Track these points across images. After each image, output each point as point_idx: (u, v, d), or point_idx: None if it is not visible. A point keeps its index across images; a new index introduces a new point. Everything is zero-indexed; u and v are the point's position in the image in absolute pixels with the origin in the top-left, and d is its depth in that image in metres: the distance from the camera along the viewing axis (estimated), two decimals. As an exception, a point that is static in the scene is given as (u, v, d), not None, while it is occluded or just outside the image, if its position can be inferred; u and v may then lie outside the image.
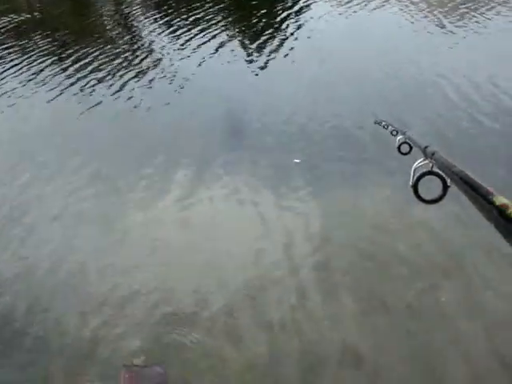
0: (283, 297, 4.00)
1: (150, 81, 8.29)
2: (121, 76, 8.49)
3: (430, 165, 1.00)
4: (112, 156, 6.28)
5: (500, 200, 0.56)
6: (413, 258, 4.18)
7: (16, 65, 9.04)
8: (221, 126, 6.73)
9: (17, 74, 8.69)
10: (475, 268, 3.97)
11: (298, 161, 5.72)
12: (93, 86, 8.19)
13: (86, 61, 9.07)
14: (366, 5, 10.86)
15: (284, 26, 10.13)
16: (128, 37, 10.60)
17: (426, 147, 1.06)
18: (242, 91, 7.81)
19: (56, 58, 9.30)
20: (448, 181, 0.95)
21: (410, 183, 1.08)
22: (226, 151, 6.07)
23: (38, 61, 9.14)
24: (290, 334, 3.70)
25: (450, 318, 3.60)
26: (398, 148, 1.68)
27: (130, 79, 8.33)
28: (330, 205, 5.05)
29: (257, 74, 8.38)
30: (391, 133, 2.04)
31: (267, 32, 9.80)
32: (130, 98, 7.67)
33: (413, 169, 1.07)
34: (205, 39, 9.61)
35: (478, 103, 6.77)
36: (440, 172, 0.93)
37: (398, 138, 1.72)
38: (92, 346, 3.68)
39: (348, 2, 11.09)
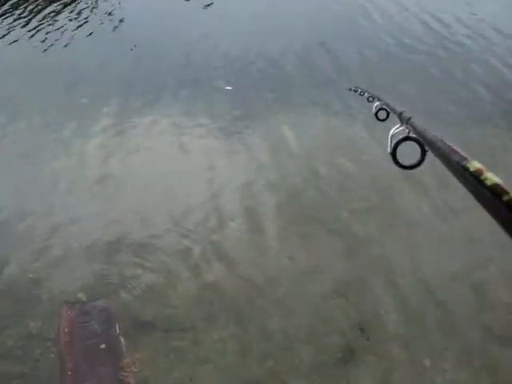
0: (228, 222, 4.35)
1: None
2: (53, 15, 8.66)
3: (407, 130, 0.99)
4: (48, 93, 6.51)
5: (474, 165, 0.56)
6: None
7: None
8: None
9: None
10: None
11: (229, 88, 6.45)
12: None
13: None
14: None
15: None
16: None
17: (401, 113, 1.05)
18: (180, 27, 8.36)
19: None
20: (426, 146, 0.94)
21: (388, 150, 1.07)
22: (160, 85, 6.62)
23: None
24: (237, 260, 3.92)
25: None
26: (376, 114, 1.67)
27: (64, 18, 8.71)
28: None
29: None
30: (367, 99, 2.04)
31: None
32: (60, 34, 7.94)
33: (390, 135, 1.06)
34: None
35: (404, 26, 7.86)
36: (417, 137, 0.92)
37: (375, 104, 1.70)
38: (34, 285, 3.71)
39: None
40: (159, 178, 4.90)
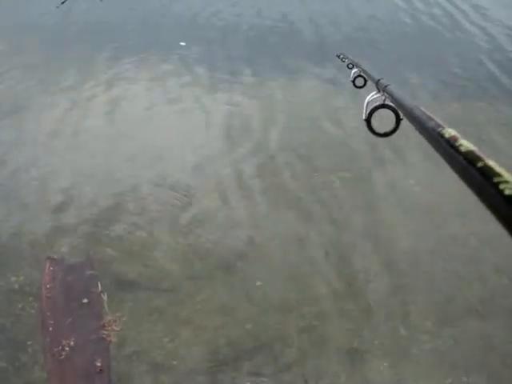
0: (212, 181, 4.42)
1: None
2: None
3: (383, 98, 0.99)
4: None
5: (449, 132, 0.57)
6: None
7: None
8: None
9: None
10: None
11: (183, 44, 6.90)
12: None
13: None
14: None
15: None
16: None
17: (378, 80, 1.04)
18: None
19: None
20: (401, 114, 0.95)
21: (363, 117, 1.06)
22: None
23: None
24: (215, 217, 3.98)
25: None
26: (353, 81, 1.65)
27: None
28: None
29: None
30: (347, 66, 2.02)
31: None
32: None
33: (366, 102, 1.06)
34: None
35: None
36: (392, 105, 0.92)
37: (353, 71, 1.68)
38: (16, 240, 3.75)
39: None
40: (136, 132, 5.00)
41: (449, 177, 0.62)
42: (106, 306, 3.27)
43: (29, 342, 3.05)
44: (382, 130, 1.06)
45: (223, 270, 3.56)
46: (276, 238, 3.82)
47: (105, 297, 3.33)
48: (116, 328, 3.14)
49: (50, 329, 3.13)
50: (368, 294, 3.40)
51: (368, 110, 1.05)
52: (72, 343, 3.04)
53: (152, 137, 4.95)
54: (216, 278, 3.50)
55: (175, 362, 2.98)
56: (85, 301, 3.31)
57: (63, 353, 2.99)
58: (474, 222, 3.75)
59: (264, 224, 3.95)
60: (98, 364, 2.95)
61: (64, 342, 3.04)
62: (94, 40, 6.92)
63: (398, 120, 0.95)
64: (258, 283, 3.46)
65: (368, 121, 1.06)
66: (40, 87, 5.80)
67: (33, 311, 3.25)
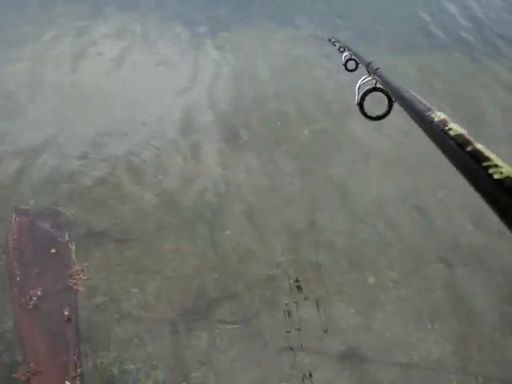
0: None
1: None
2: None
3: (374, 81, 0.98)
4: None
5: (439, 116, 0.56)
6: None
7: None
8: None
9: None
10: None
11: None
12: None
13: None
14: None
15: None
16: None
17: (369, 63, 1.03)
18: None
19: None
20: (392, 96, 0.94)
21: (356, 101, 1.05)
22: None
23: None
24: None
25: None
26: (345, 65, 1.64)
27: None
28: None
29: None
30: (339, 49, 2.00)
31: None
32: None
33: (357, 86, 1.04)
34: None
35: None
36: (384, 88, 0.91)
37: (345, 54, 1.67)
38: None
39: None
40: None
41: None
42: (73, 256, 3.27)
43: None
44: (374, 114, 1.05)
45: (192, 221, 3.60)
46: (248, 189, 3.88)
47: (72, 246, 3.32)
48: (84, 277, 3.15)
49: (18, 279, 3.13)
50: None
51: (360, 94, 1.04)
52: (39, 293, 3.05)
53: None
54: (184, 229, 3.53)
55: (143, 312, 3.00)
56: (52, 251, 3.30)
57: (31, 302, 3.00)
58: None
59: (240, 178, 4.01)
60: (66, 313, 2.97)
61: (32, 292, 3.04)
62: None
63: (391, 102, 0.94)
64: (227, 232, 3.50)
65: (361, 105, 1.05)
66: None
67: (0, 262, 3.24)
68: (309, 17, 6.37)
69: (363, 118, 1.07)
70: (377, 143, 4.31)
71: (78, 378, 2.68)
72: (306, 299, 3.09)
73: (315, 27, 6.11)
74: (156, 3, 6.57)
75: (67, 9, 6.33)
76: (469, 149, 0.48)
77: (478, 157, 0.46)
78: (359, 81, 1.04)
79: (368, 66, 1.02)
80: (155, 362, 2.76)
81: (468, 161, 0.47)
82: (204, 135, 4.35)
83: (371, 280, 3.22)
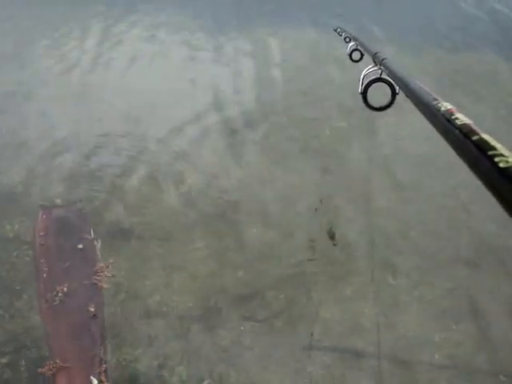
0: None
1: None
2: None
3: (380, 71, 0.97)
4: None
5: (445, 106, 0.57)
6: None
7: None
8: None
9: None
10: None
11: None
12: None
13: None
14: None
15: None
16: None
17: (375, 53, 1.02)
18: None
19: None
20: (397, 88, 0.93)
21: (359, 90, 1.05)
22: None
23: None
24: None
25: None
26: (350, 55, 1.63)
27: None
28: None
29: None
30: (344, 39, 1.99)
31: None
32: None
33: (362, 75, 1.04)
34: None
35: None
36: (389, 79, 0.91)
37: (350, 44, 1.66)
38: (11, 189, 3.81)
39: None
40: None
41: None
42: (98, 253, 3.32)
43: (24, 289, 3.10)
44: (377, 104, 1.04)
45: (216, 221, 3.62)
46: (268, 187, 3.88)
47: (97, 243, 3.37)
48: (108, 274, 3.19)
49: (44, 275, 3.18)
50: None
51: (364, 84, 1.03)
52: (65, 289, 3.10)
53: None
54: (209, 228, 3.55)
55: (167, 309, 3.03)
56: (79, 246, 3.37)
57: (57, 298, 3.05)
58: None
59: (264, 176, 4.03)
60: (92, 309, 3.01)
61: (58, 288, 3.10)
62: None
63: (394, 94, 0.93)
64: (254, 231, 3.52)
65: (364, 94, 1.04)
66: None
67: (27, 259, 3.29)
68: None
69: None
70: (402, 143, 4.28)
71: (102, 373, 2.72)
72: (329, 298, 3.09)
73: (342, 24, 6.27)
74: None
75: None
76: (474, 138, 0.48)
77: (483, 146, 0.47)
78: (364, 70, 1.03)
79: (374, 55, 1.01)
80: (179, 359, 2.79)
81: (474, 150, 0.47)
82: (223, 135, 4.38)
83: (395, 280, 3.20)
